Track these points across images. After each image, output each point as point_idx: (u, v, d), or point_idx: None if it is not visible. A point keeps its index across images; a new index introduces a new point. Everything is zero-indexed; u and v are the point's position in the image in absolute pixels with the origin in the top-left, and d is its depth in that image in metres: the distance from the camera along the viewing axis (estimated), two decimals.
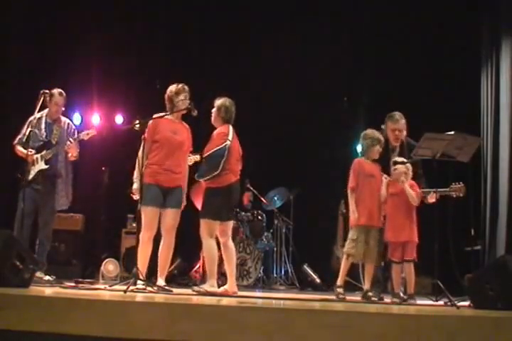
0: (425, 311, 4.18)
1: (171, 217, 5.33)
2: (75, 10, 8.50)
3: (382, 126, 5.73)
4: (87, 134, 5.93)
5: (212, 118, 5.39)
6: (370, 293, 5.29)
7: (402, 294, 5.32)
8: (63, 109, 6.12)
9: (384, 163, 5.50)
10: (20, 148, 5.94)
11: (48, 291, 4.42)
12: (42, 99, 5.77)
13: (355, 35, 8.40)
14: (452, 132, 5.17)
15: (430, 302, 5.15)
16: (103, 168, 8.08)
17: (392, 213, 5.36)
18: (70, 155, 5.95)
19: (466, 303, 4.61)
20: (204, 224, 5.27)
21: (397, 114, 5.66)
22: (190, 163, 5.56)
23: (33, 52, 8.39)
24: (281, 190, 8.34)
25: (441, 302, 5.01)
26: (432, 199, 5.31)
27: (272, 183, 8.34)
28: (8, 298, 3.50)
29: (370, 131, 5.46)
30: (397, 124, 5.63)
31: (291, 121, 8.59)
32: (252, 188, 8.15)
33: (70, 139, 5.91)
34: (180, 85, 5.43)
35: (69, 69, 8.42)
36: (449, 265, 6.28)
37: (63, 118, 6.19)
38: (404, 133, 5.69)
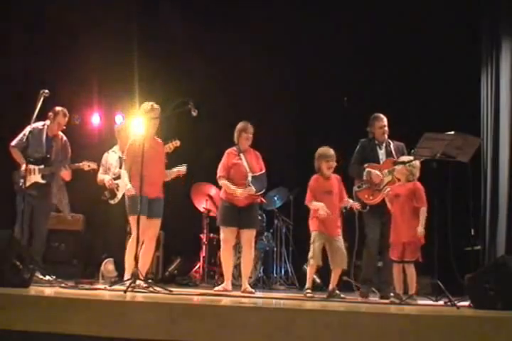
0: (425, 311, 4.18)
1: None
2: (74, 9, 8.50)
3: (368, 129, 6.21)
4: (88, 166, 6.24)
5: (249, 141, 6.01)
6: (337, 292, 5.57)
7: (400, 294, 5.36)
8: (64, 127, 6.40)
9: (373, 159, 6.00)
10: (18, 153, 6.16)
11: (48, 291, 4.42)
12: (42, 99, 5.78)
13: (355, 34, 8.39)
14: (452, 132, 5.18)
15: (430, 302, 5.16)
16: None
17: (397, 214, 5.43)
18: (64, 176, 6.28)
19: (466, 303, 4.61)
20: (254, 233, 5.90)
21: (380, 114, 6.21)
22: (171, 150, 5.97)
23: (33, 52, 8.39)
24: (281, 190, 8.33)
25: (441, 302, 5.01)
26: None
27: (272, 183, 8.33)
28: (8, 298, 3.50)
29: (319, 149, 5.74)
30: (383, 121, 6.14)
31: (291, 121, 8.59)
32: None
33: (67, 166, 6.21)
34: (149, 104, 5.69)
35: (69, 69, 8.42)
36: (449, 265, 6.29)
37: (61, 134, 6.44)
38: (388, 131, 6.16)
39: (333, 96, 8.72)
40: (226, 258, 5.93)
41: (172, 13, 8.80)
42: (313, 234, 5.56)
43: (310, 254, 5.52)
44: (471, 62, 7.89)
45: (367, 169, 5.90)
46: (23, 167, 6.00)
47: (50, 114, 6.25)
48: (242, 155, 5.92)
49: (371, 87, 8.33)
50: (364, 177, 5.89)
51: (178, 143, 5.98)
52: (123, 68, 8.51)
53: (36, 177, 6.15)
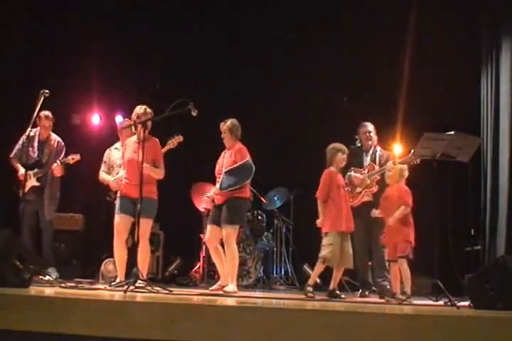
0: (425, 311, 4.18)
1: None
2: (75, 10, 8.50)
3: (356, 137, 6.46)
4: (72, 159, 6.46)
5: (225, 140, 5.86)
6: (337, 292, 5.51)
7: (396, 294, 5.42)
8: (51, 128, 6.68)
9: (358, 165, 6.22)
10: (16, 164, 6.54)
11: (48, 291, 4.42)
12: (42, 99, 5.80)
13: (354, 34, 8.39)
14: (452, 132, 5.19)
15: (430, 302, 5.16)
16: None
17: (386, 216, 5.51)
18: (54, 172, 6.52)
19: (466, 303, 4.60)
20: (233, 230, 5.67)
21: (366, 122, 6.44)
22: (174, 146, 6.02)
23: (33, 52, 8.39)
24: (281, 190, 8.33)
25: (441, 302, 5.01)
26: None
27: (272, 183, 8.34)
28: (8, 298, 3.50)
29: (334, 144, 5.72)
30: (367, 128, 6.36)
31: (292, 121, 8.59)
32: (252, 188, 8.14)
33: (58, 161, 6.45)
34: (143, 108, 5.74)
35: (69, 69, 8.42)
36: (449, 265, 6.29)
37: (53, 136, 6.72)
38: (375, 138, 6.34)
39: (333, 96, 8.73)
40: (213, 256, 5.85)
41: (171, 13, 8.81)
42: (332, 234, 5.42)
43: (327, 255, 5.36)
44: (471, 62, 7.88)
45: (348, 173, 6.15)
46: (20, 172, 6.38)
47: (37, 119, 6.39)
48: (226, 153, 5.92)
49: (371, 86, 8.33)
50: (346, 181, 6.10)
51: (181, 138, 6.01)
52: (123, 68, 8.53)
53: (32, 182, 6.45)
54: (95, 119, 9.01)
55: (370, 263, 6.36)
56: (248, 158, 5.78)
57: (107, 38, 8.56)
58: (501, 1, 7.49)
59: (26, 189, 6.26)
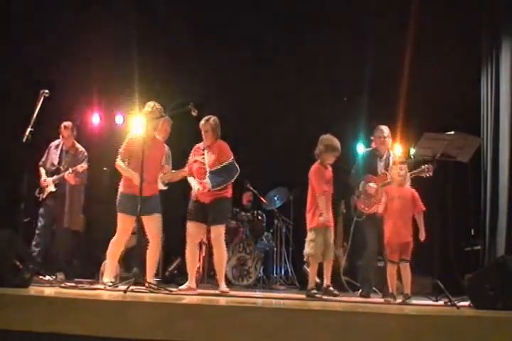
0: (425, 311, 4.18)
1: None
2: (75, 9, 8.50)
3: (372, 138, 6.47)
4: (81, 167, 6.60)
5: (207, 138, 5.74)
6: (331, 288, 5.47)
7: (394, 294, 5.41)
8: (73, 137, 6.87)
9: (372, 170, 6.16)
10: (42, 171, 6.81)
11: (48, 291, 4.43)
12: (42, 99, 5.80)
13: (354, 34, 8.39)
14: (452, 132, 5.19)
15: (430, 302, 5.16)
16: (104, 168, 8.09)
17: (398, 216, 5.41)
18: (68, 180, 6.64)
19: (466, 303, 4.61)
20: (221, 229, 5.65)
21: (382, 126, 6.35)
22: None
23: (33, 52, 8.38)
24: (281, 190, 8.34)
25: (441, 302, 5.02)
26: None
27: (272, 183, 8.34)
28: (8, 298, 3.50)
29: (327, 137, 5.63)
30: (381, 132, 6.28)
31: (291, 121, 8.59)
32: (252, 188, 8.15)
33: (70, 170, 6.58)
34: (150, 106, 5.68)
35: (69, 69, 8.41)
36: (449, 265, 6.29)
37: (77, 146, 6.91)
38: (389, 142, 6.29)
39: (333, 96, 8.72)
40: (189, 254, 5.70)
41: (172, 13, 8.80)
42: (315, 230, 5.41)
43: (311, 252, 5.38)
44: (471, 62, 7.88)
45: (363, 182, 6.11)
46: (42, 178, 6.70)
47: (59, 129, 6.81)
48: (205, 151, 5.78)
49: (371, 86, 8.33)
50: (360, 189, 6.12)
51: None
52: (123, 68, 8.52)
53: (51, 188, 6.68)
54: (95, 119, 9.01)
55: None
56: (232, 157, 5.71)
57: (107, 37, 8.56)
58: (501, 1, 7.49)
59: (45, 194, 6.68)
